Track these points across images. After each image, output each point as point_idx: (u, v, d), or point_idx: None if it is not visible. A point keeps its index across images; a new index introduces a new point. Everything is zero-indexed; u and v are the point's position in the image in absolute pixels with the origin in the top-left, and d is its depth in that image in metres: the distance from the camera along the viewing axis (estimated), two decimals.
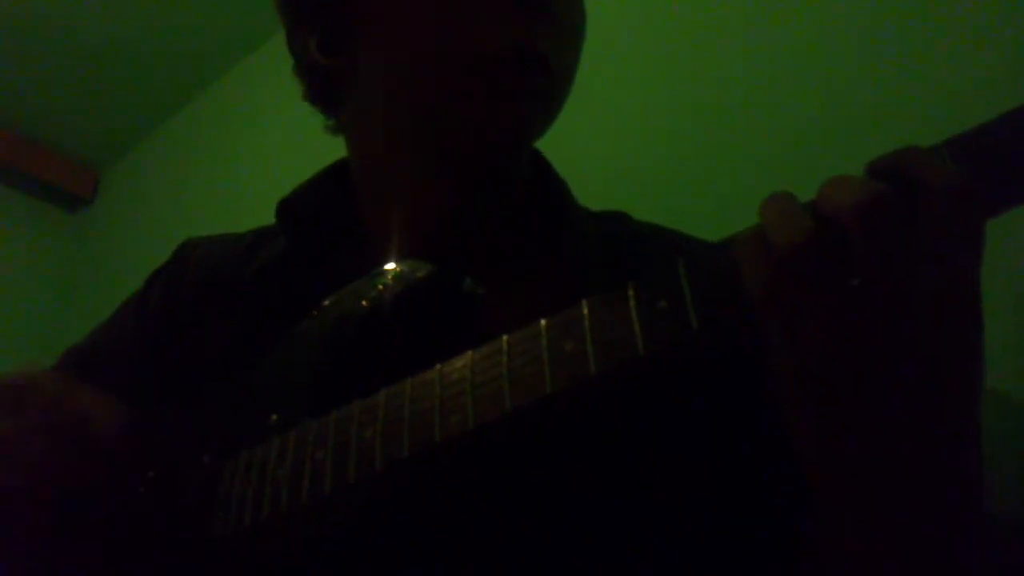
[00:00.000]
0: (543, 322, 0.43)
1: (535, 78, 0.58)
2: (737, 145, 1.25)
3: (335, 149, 0.72)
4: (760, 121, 1.24)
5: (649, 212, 0.73)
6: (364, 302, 0.56)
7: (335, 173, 0.70)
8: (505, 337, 0.44)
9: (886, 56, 1.14)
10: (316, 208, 0.68)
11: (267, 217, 0.76)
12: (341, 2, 0.62)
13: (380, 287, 0.56)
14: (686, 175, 1.30)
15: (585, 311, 0.41)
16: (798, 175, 0.59)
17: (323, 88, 0.67)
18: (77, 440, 0.54)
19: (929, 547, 0.40)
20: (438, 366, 0.46)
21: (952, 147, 0.37)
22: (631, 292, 0.41)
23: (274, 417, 0.56)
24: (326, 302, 0.58)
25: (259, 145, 2.21)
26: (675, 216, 0.75)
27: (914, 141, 0.38)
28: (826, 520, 0.43)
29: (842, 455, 0.40)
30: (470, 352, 0.45)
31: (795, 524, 0.51)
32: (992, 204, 0.36)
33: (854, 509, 0.41)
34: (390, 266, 0.57)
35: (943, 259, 0.36)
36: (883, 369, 0.37)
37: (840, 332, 0.37)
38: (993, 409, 0.89)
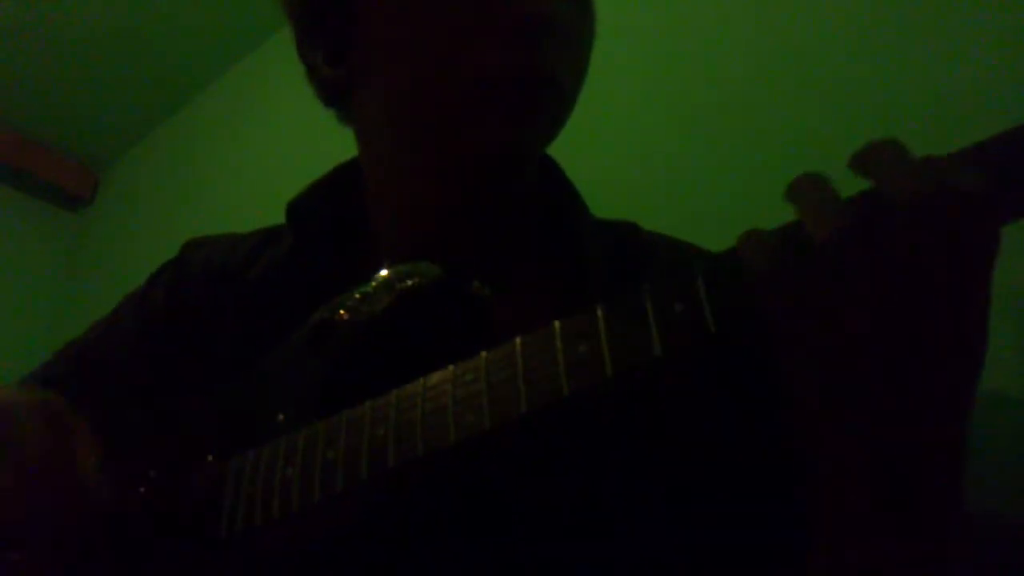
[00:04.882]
0: (557, 324, 0.43)
1: (542, 98, 0.57)
2: (743, 150, 1.26)
3: (335, 148, 0.72)
4: (766, 125, 1.24)
5: (652, 218, 0.73)
6: (370, 308, 0.56)
7: (344, 172, 0.70)
8: (518, 339, 0.44)
9: (886, 56, 1.14)
10: (324, 208, 0.68)
11: (267, 216, 0.76)
12: (344, 20, 0.62)
13: (386, 293, 0.56)
14: (690, 180, 1.30)
15: (600, 312, 0.41)
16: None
17: (331, 94, 0.67)
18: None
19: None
20: (451, 367, 0.46)
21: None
22: (646, 294, 0.40)
23: (281, 417, 0.56)
24: (333, 311, 0.57)
25: (259, 145, 2.21)
26: (679, 221, 0.75)
27: (913, 141, 0.39)
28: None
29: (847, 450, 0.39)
30: (484, 353, 0.45)
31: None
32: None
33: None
34: (398, 268, 0.57)
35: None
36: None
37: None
38: (993, 409, 0.89)
